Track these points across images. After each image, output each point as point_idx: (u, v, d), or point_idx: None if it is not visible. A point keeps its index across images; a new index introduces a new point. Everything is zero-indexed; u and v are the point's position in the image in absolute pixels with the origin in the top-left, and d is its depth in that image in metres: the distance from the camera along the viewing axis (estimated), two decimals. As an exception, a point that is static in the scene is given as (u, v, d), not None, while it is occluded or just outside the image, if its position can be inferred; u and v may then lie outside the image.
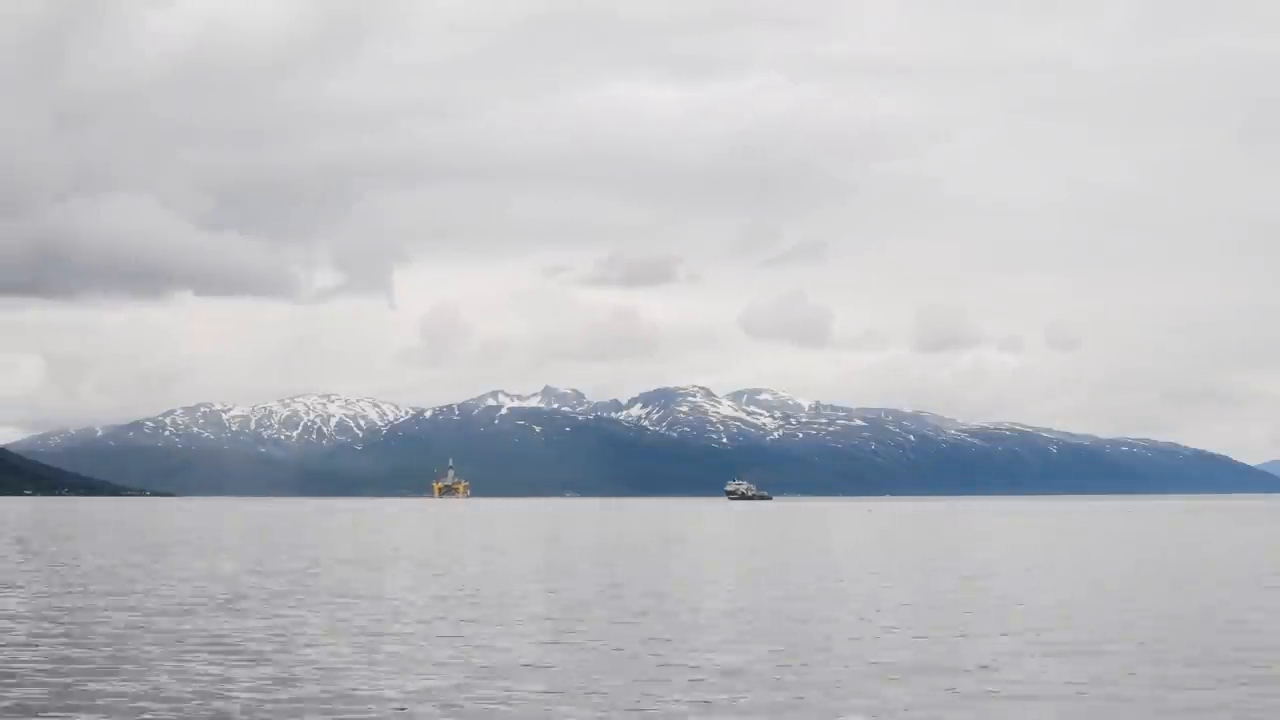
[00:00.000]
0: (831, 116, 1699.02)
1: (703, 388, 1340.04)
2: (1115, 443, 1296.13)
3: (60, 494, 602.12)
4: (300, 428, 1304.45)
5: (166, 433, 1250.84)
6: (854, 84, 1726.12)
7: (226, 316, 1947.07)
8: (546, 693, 24.57)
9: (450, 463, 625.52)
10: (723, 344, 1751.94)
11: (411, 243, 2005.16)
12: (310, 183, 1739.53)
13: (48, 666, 28.00)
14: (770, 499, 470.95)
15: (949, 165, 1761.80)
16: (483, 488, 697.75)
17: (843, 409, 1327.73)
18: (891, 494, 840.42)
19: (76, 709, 23.20)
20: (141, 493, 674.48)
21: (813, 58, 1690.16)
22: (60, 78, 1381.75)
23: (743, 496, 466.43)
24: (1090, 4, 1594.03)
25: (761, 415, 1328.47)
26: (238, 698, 24.04)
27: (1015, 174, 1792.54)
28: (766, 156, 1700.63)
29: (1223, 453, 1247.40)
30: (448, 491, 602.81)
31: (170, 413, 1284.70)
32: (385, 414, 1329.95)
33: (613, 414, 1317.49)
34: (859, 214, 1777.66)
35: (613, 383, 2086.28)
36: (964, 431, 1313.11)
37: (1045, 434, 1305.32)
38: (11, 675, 26.77)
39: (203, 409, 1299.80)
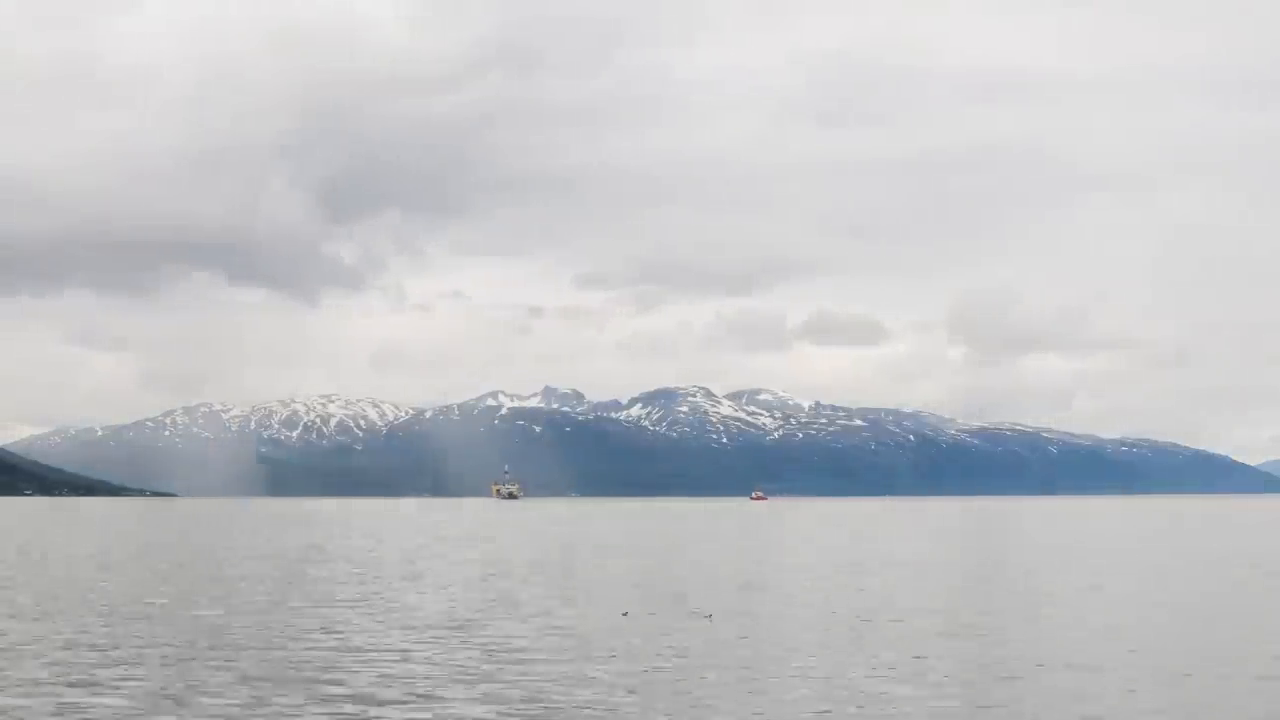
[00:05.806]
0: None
1: (703, 388, 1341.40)
2: (1115, 443, 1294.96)
3: (60, 494, 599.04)
4: (300, 428, 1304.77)
5: (166, 433, 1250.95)
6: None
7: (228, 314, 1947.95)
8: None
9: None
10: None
11: (427, 244, 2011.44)
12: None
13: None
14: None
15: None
16: (482, 489, 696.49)
17: (843, 409, 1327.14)
18: (891, 494, 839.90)
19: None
20: (142, 493, 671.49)
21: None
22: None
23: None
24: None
25: (761, 415, 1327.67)
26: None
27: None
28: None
29: (1223, 453, 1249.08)
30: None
31: (170, 413, 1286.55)
32: (385, 414, 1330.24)
33: (613, 414, 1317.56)
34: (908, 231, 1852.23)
35: (612, 383, 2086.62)
36: (964, 431, 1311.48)
37: (1045, 434, 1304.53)
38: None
39: (202, 409, 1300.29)
